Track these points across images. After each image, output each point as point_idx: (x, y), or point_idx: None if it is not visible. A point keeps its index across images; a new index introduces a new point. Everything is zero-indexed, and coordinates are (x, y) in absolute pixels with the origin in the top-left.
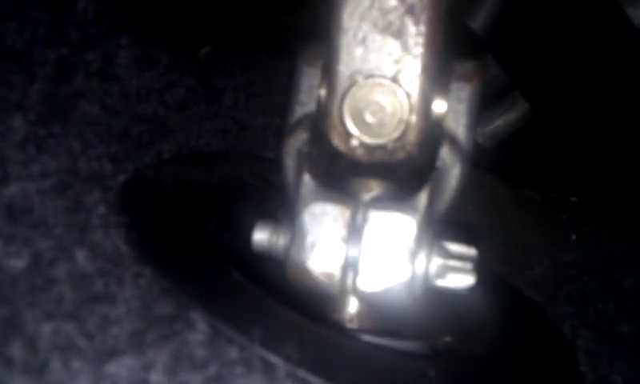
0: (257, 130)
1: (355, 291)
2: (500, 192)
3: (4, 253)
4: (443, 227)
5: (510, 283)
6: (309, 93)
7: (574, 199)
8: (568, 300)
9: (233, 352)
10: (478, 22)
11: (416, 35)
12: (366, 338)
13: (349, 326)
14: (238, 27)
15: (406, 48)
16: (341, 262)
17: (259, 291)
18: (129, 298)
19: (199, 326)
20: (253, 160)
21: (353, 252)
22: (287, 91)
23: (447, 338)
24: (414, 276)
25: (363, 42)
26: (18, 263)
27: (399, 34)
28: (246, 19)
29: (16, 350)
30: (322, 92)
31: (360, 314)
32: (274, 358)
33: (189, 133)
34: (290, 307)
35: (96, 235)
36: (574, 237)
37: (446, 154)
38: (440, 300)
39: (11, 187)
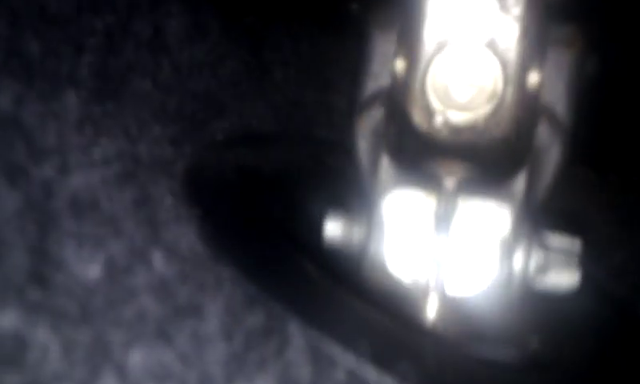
0: (309, 106)
1: (443, 291)
2: (584, 177)
3: (77, 257)
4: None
5: (606, 286)
6: (382, 63)
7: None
8: None
9: (339, 373)
10: None
11: None
12: (476, 350)
13: (433, 329)
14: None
15: (504, 8)
16: (427, 258)
17: (356, 297)
18: (216, 310)
19: (297, 342)
20: (310, 142)
21: (441, 246)
22: (357, 62)
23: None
24: (511, 274)
25: (453, 2)
26: (93, 270)
27: None
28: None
29: (110, 381)
30: (399, 63)
31: (444, 317)
32: (388, 380)
33: (241, 110)
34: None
35: (169, 233)
36: None
37: (543, 132)
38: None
39: (74, 177)
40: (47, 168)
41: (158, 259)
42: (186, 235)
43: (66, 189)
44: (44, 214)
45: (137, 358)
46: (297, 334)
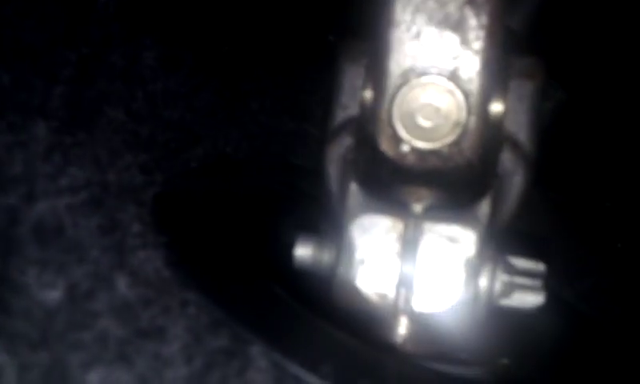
0: (285, 135)
1: (410, 312)
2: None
3: (38, 283)
4: (506, 240)
5: (569, 301)
6: (352, 94)
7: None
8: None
9: None
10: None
11: (477, 28)
12: (442, 368)
13: (401, 349)
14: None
15: (465, 42)
16: (394, 280)
17: (318, 318)
18: (179, 332)
19: (259, 363)
20: (284, 168)
21: (407, 268)
22: (329, 92)
23: (504, 361)
24: (476, 295)
25: (417, 36)
26: (54, 294)
27: (458, 27)
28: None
29: None
30: (367, 93)
31: (413, 337)
32: None
33: (216, 139)
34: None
35: (135, 258)
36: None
37: (507, 158)
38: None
39: (39, 204)
40: (13, 196)
41: (122, 283)
42: (153, 260)
43: (31, 216)
44: (7, 240)
45: (95, 380)
46: (259, 355)
